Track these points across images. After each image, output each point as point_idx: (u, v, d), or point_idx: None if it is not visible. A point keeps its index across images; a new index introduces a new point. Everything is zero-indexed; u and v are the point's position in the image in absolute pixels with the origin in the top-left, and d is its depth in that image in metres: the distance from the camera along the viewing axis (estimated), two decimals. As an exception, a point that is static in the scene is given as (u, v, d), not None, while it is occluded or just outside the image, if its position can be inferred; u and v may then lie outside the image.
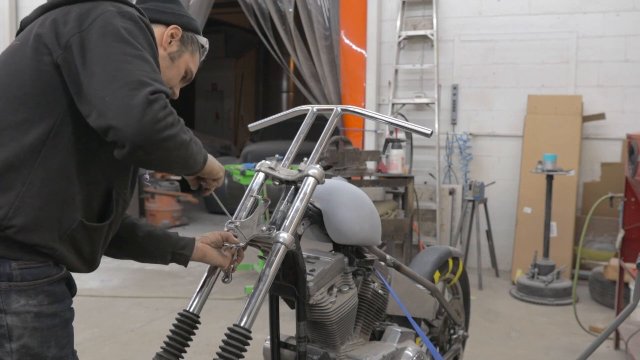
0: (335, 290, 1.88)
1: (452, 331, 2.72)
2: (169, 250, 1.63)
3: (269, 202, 1.70)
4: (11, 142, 1.28)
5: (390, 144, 5.00)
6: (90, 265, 1.42)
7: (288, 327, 2.18)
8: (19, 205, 1.26)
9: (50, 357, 1.30)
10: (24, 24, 1.45)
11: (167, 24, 1.61)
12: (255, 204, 1.79)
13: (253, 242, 1.70)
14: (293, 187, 1.79)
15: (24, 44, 1.35)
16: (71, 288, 1.40)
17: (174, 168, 1.35)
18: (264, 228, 1.64)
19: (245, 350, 1.53)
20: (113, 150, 1.40)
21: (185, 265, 1.66)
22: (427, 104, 6.02)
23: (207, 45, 1.73)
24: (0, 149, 1.27)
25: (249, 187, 1.84)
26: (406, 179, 4.87)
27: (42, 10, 1.41)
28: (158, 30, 1.59)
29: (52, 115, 1.30)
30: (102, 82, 1.23)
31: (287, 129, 5.39)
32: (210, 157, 1.50)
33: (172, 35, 1.61)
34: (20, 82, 1.31)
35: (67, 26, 1.30)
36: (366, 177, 4.81)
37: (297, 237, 1.72)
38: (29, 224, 1.26)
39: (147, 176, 6.79)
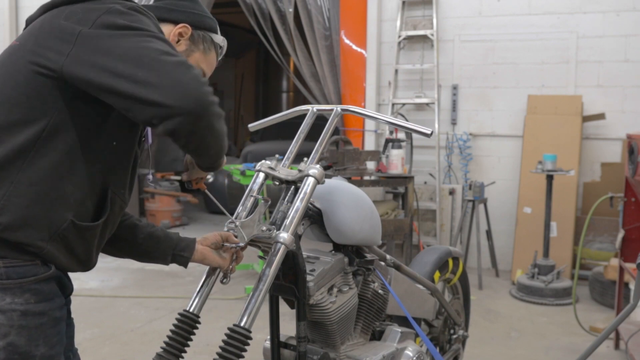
0: (335, 290, 1.88)
1: (452, 331, 2.72)
2: (169, 252, 1.62)
3: (269, 202, 1.70)
4: (2, 143, 1.27)
5: (390, 144, 5.00)
6: (84, 265, 1.41)
7: (288, 327, 2.18)
8: (5, 203, 1.25)
9: (38, 356, 1.29)
10: (28, 22, 1.43)
11: (176, 23, 1.57)
12: (255, 204, 1.79)
13: (253, 242, 1.70)
14: (293, 187, 1.79)
15: (23, 45, 1.34)
16: (65, 288, 1.39)
17: (212, 146, 1.36)
18: (264, 228, 1.64)
19: (245, 350, 1.53)
20: (117, 142, 1.38)
21: (185, 266, 1.66)
22: (427, 104, 6.02)
23: (224, 44, 1.68)
24: None
25: (249, 187, 1.84)
26: (406, 179, 4.87)
27: (43, 10, 1.39)
28: (166, 29, 1.56)
29: (45, 117, 1.29)
30: (142, 66, 1.23)
31: (287, 129, 5.38)
32: None
33: (180, 34, 1.57)
34: (16, 83, 1.30)
35: (72, 26, 1.28)
36: (366, 177, 4.81)
37: (297, 237, 1.72)
38: (14, 222, 1.25)
39: (151, 177, 6.79)
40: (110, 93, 1.25)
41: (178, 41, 1.57)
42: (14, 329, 1.26)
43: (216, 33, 1.65)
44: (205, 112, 1.25)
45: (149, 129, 1.53)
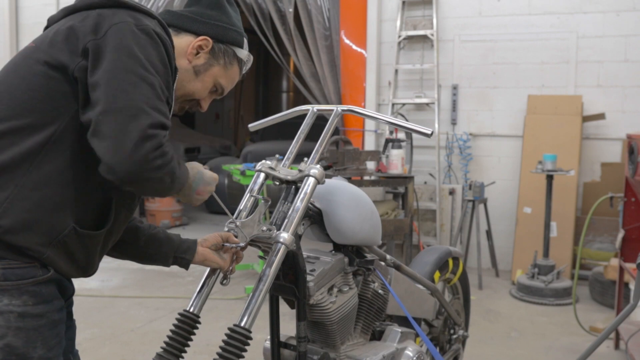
0: (335, 290, 1.88)
1: (452, 331, 2.72)
2: (170, 254, 1.62)
3: (269, 202, 1.70)
4: (11, 146, 1.27)
5: (390, 144, 5.00)
6: (84, 271, 1.40)
7: (288, 327, 2.18)
8: (7, 206, 1.25)
9: (36, 357, 1.29)
10: (50, 22, 1.43)
11: (198, 34, 1.52)
12: (255, 204, 1.79)
13: (253, 242, 1.70)
14: (293, 187, 1.79)
15: (39, 48, 1.33)
16: (65, 290, 1.38)
17: (151, 193, 1.34)
18: (265, 228, 1.64)
19: (245, 350, 1.54)
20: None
21: (187, 268, 1.66)
22: (427, 104, 6.02)
23: (248, 59, 1.62)
24: (0, 153, 1.26)
25: (249, 187, 1.84)
26: (406, 179, 4.87)
27: (64, 13, 1.39)
28: (185, 40, 1.52)
29: (55, 122, 1.28)
30: (103, 97, 1.22)
31: (287, 129, 5.39)
32: (192, 182, 1.42)
33: (199, 47, 1.52)
34: (29, 87, 1.29)
35: (84, 33, 1.29)
36: (366, 177, 4.81)
37: (298, 237, 1.72)
38: (16, 225, 1.25)
39: None
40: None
41: (197, 54, 1.52)
42: (11, 330, 1.25)
43: (241, 47, 1.59)
44: (140, 184, 1.24)
45: None
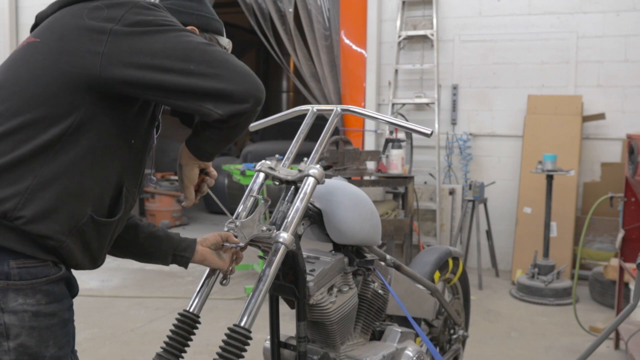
0: (335, 290, 1.88)
1: (452, 331, 2.72)
2: (170, 252, 1.63)
3: (269, 202, 1.70)
4: (28, 139, 1.27)
5: (390, 144, 5.00)
6: (95, 262, 1.42)
7: (288, 327, 2.18)
8: (28, 197, 1.25)
9: (48, 357, 1.29)
10: (40, 18, 1.43)
11: (185, 25, 1.55)
12: (255, 204, 1.79)
13: (253, 242, 1.70)
14: (293, 187, 1.79)
15: (46, 43, 1.33)
16: (72, 288, 1.40)
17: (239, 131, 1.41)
18: (264, 228, 1.64)
19: (245, 350, 1.53)
20: (135, 140, 1.40)
21: (186, 266, 1.66)
22: (427, 104, 6.02)
23: (229, 46, 1.68)
24: (17, 147, 1.26)
25: (249, 187, 1.84)
26: (406, 179, 4.87)
27: (60, 5, 1.39)
28: None
29: (71, 114, 1.29)
30: (192, 59, 1.26)
31: (287, 129, 5.39)
32: None
33: None
34: (42, 82, 1.29)
35: (100, 24, 1.28)
36: (366, 177, 4.81)
37: (297, 237, 1.72)
38: (37, 215, 1.25)
39: (154, 178, 6.81)
40: (161, 90, 1.28)
41: None
42: (25, 329, 1.26)
43: (222, 35, 1.65)
44: (263, 97, 1.32)
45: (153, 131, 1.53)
